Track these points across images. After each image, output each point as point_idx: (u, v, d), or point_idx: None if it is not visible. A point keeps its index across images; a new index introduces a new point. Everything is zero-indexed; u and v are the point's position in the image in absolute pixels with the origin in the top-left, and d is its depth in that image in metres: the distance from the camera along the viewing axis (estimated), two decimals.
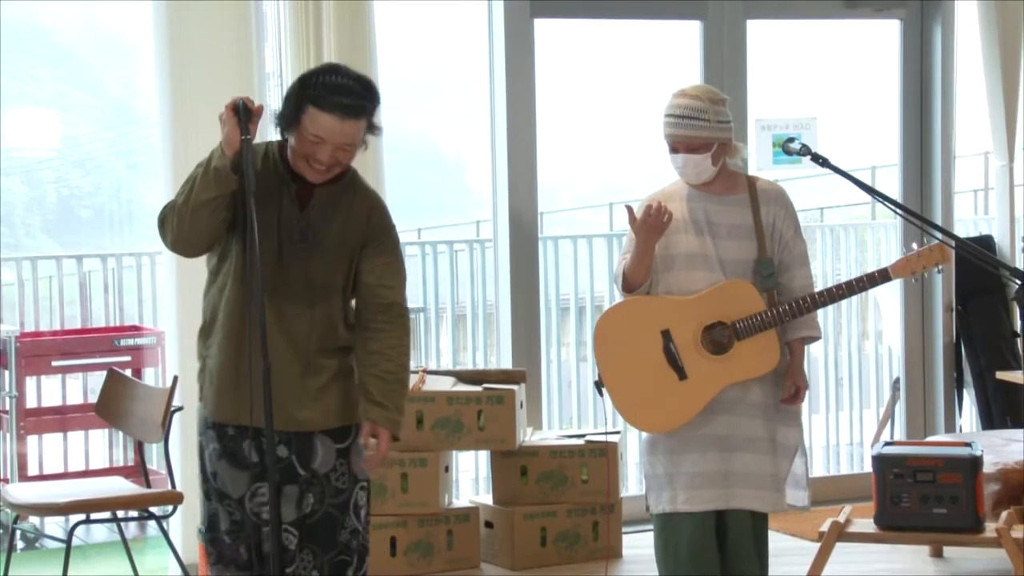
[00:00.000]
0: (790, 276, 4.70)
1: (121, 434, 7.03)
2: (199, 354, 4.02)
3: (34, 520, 6.42)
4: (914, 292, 7.31)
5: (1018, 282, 4.38)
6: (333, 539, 3.98)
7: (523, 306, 6.63)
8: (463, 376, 6.15)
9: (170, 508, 5.14)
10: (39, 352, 6.77)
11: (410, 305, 7.89)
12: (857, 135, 12.77)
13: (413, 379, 5.96)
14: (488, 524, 6.05)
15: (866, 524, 5.52)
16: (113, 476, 5.92)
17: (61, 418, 7.06)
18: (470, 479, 7.36)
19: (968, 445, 5.60)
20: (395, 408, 3.96)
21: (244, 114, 3.71)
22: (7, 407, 6.65)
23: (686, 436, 4.65)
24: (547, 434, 6.37)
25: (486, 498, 6.19)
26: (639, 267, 4.63)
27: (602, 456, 6.02)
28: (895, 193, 7.30)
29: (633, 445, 6.94)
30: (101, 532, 6.62)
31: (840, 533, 5.43)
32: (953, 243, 4.84)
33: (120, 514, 5.58)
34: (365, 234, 3.97)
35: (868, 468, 5.78)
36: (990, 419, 7.26)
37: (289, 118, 3.81)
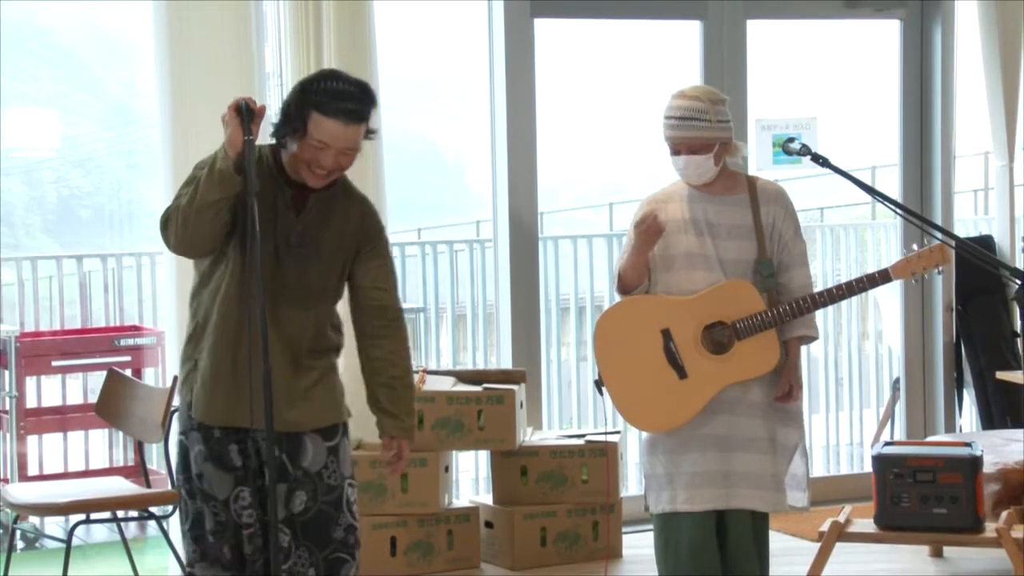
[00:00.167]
0: (789, 276, 4.71)
1: (121, 434, 7.03)
2: (187, 356, 4.03)
3: (34, 520, 6.42)
4: (914, 292, 7.31)
5: (1018, 282, 4.38)
6: (328, 536, 4.01)
7: (523, 306, 6.63)
8: (463, 376, 6.15)
9: (170, 508, 5.13)
10: (39, 352, 6.77)
11: (410, 305, 7.86)
12: (857, 135, 12.77)
13: (413, 379, 5.96)
14: (488, 524, 6.05)
15: (866, 524, 5.52)
16: (113, 476, 5.93)
17: (61, 418, 7.06)
18: (470, 479, 7.36)
19: (968, 445, 5.60)
20: (407, 415, 4.08)
21: (247, 115, 3.72)
22: (7, 407, 6.65)
23: (686, 436, 4.65)
24: (547, 434, 6.37)
25: (486, 498, 6.20)
26: (633, 270, 4.65)
27: (602, 456, 6.02)
28: (895, 193, 7.30)
29: (633, 445, 6.94)
30: (101, 532, 6.62)
31: (840, 533, 5.43)
32: (953, 243, 4.85)
33: (120, 514, 5.58)
34: (359, 238, 4.03)
35: (868, 468, 5.78)
36: (990, 419, 7.26)
37: (294, 125, 3.82)
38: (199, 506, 4.01)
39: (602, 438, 6.08)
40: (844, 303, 7.70)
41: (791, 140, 4.77)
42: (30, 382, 6.99)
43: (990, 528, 5.41)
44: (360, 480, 5.70)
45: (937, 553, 6.05)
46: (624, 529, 6.18)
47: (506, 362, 6.60)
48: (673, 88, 4.69)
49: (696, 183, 4.69)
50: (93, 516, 5.43)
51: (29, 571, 6.15)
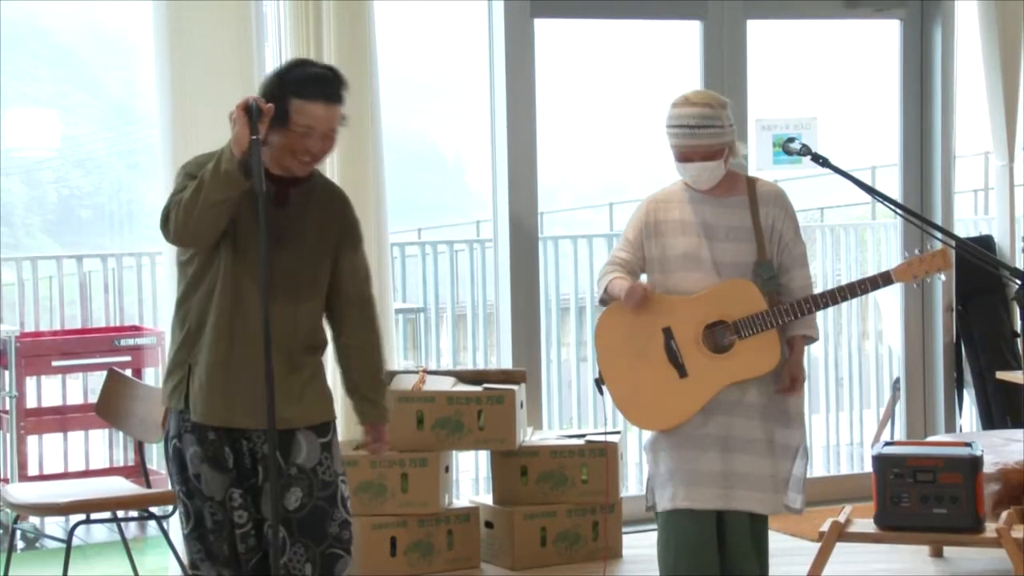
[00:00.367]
0: (790, 277, 4.71)
1: (121, 434, 7.02)
2: (178, 362, 4.03)
3: (34, 520, 6.42)
4: (914, 292, 7.31)
5: (1018, 282, 4.38)
6: (324, 531, 4.04)
7: (523, 306, 6.63)
8: (463, 376, 6.15)
9: (170, 508, 5.13)
10: (39, 352, 6.77)
11: (410, 305, 7.85)
12: (857, 135, 12.78)
13: (413, 379, 5.96)
14: (488, 524, 6.05)
15: (866, 524, 5.52)
16: (113, 476, 5.93)
17: (61, 418, 7.06)
18: (470, 479, 7.36)
19: (968, 445, 5.60)
20: (385, 399, 4.20)
21: (256, 114, 3.76)
22: (7, 407, 6.65)
23: (687, 434, 4.66)
24: (547, 434, 6.37)
25: (486, 498, 6.19)
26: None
27: (602, 456, 6.02)
28: (895, 193, 7.30)
29: (633, 445, 6.95)
30: (101, 532, 6.62)
31: (840, 533, 5.43)
32: (953, 243, 4.85)
33: (120, 514, 5.58)
34: (341, 229, 4.11)
35: (868, 468, 5.78)
36: (990, 419, 7.26)
37: (282, 116, 3.87)
38: (198, 505, 4.03)
39: (602, 438, 6.08)
40: (844, 303, 7.70)
41: (791, 140, 4.77)
42: (30, 382, 6.99)
43: (990, 528, 5.41)
44: (360, 480, 5.72)
45: (937, 553, 6.05)
46: (624, 529, 6.18)
47: (506, 362, 6.60)
48: (673, 92, 4.68)
49: (706, 187, 4.68)
50: (93, 516, 5.43)
51: (29, 571, 6.15)
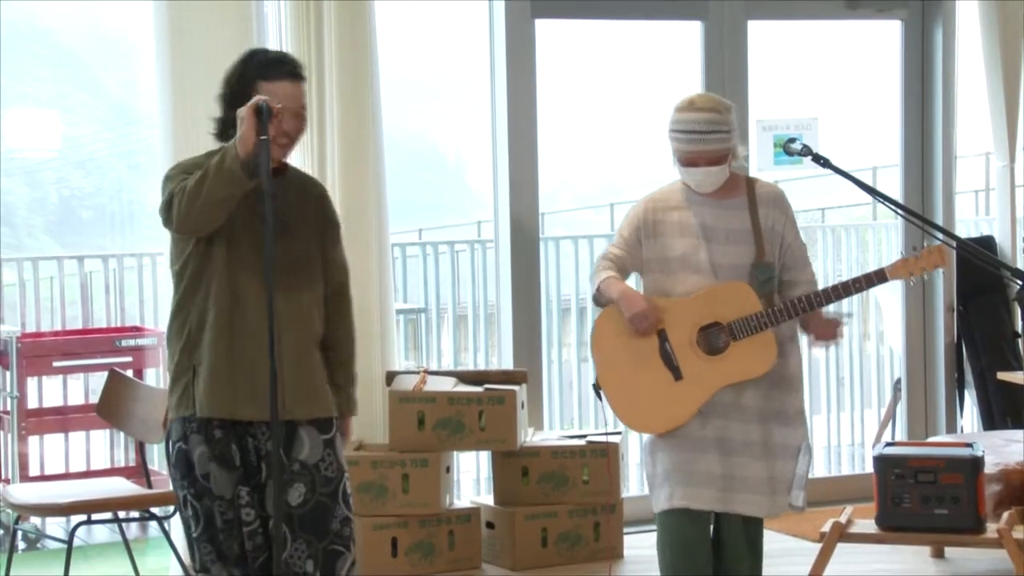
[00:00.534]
0: (795, 274, 4.70)
1: (122, 435, 7.03)
2: (183, 367, 4.05)
3: (35, 521, 6.43)
4: (915, 293, 7.31)
5: (1019, 283, 4.39)
6: (326, 528, 4.07)
7: (524, 306, 6.63)
8: (464, 376, 6.15)
9: (171, 508, 5.13)
10: (40, 352, 6.77)
11: (411, 305, 7.85)
12: (858, 136, 12.78)
13: (414, 379, 5.96)
14: (489, 525, 6.05)
15: (867, 525, 5.52)
16: (114, 476, 5.93)
17: (62, 418, 7.06)
18: (471, 480, 7.36)
19: (969, 446, 5.60)
20: (354, 389, 4.30)
21: (266, 115, 3.81)
22: (8, 408, 6.66)
23: (685, 436, 4.65)
24: (548, 434, 6.37)
25: (487, 499, 6.19)
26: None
27: (603, 456, 6.02)
28: (896, 194, 7.29)
29: (634, 446, 6.94)
30: (102, 533, 6.62)
31: (841, 534, 5.43)
32: (954, 243, 4.84)
33: (121, 514, 5.58)
34: (323, 217, 4.22)
35: (869, 469, 5.77)
36: (991, 420, 7.25)
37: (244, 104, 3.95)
38: (207, 505, 4.04)
39: (603, 438, 6.07)
40: (845, 303, 7.69)
41: (792, 141, 4.77)
42: (31, 383, 6.99)
43: (991, 529, 5.41)
44: (361, 481, 5.72)
45: (938, 554, 6.05)
46: (625, 530, 6.17)
47: (507, 362, 6.60)
48: (674, 92, 4.66)
49: (710, 191, 4.67)
50: (94, 517, 5.44)
51: (30, 572, 6.15)
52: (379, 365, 6.05)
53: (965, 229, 8.53)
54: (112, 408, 5.45)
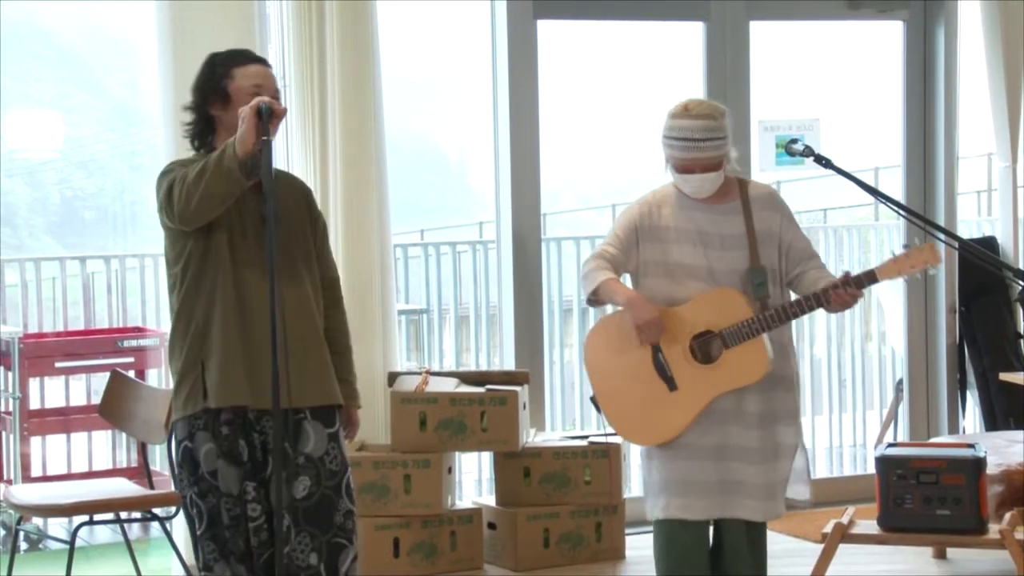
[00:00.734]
0: (804, 267, 4.68)
1: (124, 435, 7.03)
2: (191, 362, 4.06)
3: (37, 521, 6.43)
4: (917, 293, 7.31)
5: (1021, 283, 4.39)
6: (330, 521, 4.11)
7: (526, 307, 6.63)
8: (466, 377, 6.15)
9: (173, 509, 5.13)
10: (42, 353, 6.78)
11: (413, 306, 7.84)
12: (860, 136, 12.77)
13: (416, 380, 5.96)
14: (491, 525, 6.05)
15: (869, 525, 5.52)
16: (116, 477, 5.93)
17: (64, 419, 7.07)
18: (473, 480, 7.36)
19: (971, 446, 5.60)
20: (354, 379, 4.35)
21: (266, 117, 3.82)
22: (10, 408, 6.66)
23: (681, 444, 4.64)
24: (550, 435, 6.37)
25: (489, 499, 6.19)
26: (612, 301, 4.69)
27: (605, 457, 6.02)
28: (898, 194, 7.29)
29: (636, 447, 6.94)
30: (104, 533, 6.62)
31: (843, 534, 5.43)
32: (956, 244, 4.83)
33: (123, 515, 5.58)
34: (310, 210, 4.28)
35: (871, 469, 5.77)
36: (993, 420, 7.25)
37: (221, 99, 4.06)
38: (213, 503, 4.05)
39: (605, 439, 6.08)
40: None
41: (794, 141, 4.76)
42: (33, 383, 7.00)
43: (993, 530, 5.41)
44: (363, 481, 5.72)
45: (940, 555, 6.05)
46: (627, 530, 6.17)
47: (509, 363, 6.60)
48: (676, 93, 4.65)
49: (705, 196, 4.66)
50: (96, 517, 5.44)
51: (32, 572, 6.15)
52: (381, 366, 6.05)
53: (967, 230, 8.53)
54: (114, 409, 5.45)
